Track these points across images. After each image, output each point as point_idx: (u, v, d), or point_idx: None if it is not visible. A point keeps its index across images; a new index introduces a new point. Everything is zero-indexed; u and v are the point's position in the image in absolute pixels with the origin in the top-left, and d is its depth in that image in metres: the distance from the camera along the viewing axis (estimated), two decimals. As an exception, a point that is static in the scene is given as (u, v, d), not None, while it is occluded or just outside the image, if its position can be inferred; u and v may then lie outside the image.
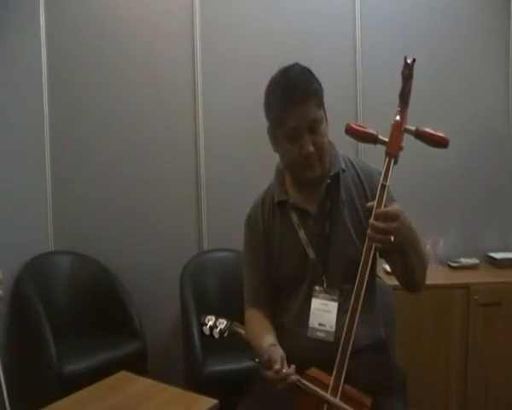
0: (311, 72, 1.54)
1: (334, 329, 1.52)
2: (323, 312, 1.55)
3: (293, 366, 1.33)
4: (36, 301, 2.76)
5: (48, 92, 3.23)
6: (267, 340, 1.47)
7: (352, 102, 3.16)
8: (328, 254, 1.56)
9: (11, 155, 2.98)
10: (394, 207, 1.36)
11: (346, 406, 1.31)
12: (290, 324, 1.61)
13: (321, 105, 1.52)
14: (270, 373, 1.31)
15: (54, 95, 3.24)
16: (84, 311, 3.05)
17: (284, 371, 1.30)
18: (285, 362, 1.33)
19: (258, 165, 2.81)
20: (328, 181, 1.58)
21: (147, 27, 3.21)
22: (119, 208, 3.27)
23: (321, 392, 1.32)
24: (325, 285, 1.56)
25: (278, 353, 1.37)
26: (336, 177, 1.59)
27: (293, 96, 1.47)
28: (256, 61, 3.08)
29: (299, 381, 1.32)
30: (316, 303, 1.56)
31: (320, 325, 1.54)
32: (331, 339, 1.50)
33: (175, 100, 3.23)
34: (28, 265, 2.99)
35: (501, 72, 3.15)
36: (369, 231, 1.34)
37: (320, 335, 1.53)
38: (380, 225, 1.31)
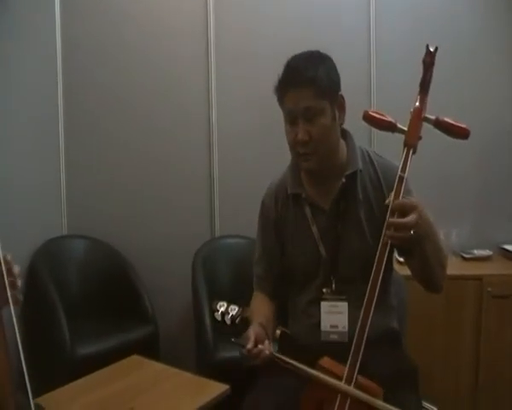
0: (321, 60, 1.52)
1: (346, 329, 1.52)
2: (334, 313, 1.54)
3: (266, 342, 1.40)
4: (49, 284, 2.79)
5: (62, 78, 3.23)
6: (256, 320, 1.51)
7: (366, 91, 3.13)
8: (339, 252, 1.55)
9: (25, 140, 3.00)
10: (411, 199, 1.34)
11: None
12: (301, 318, 1.62)
13: (324, 96, 1.48)
14: (243, 351, 1.38)
15: (68, 81, 3.24)
16: (96, 295, 3.08)
17: (258, 347, 1.37)
18: (266, 340, 1.40)
19: (271, 152, 2.81)
20: (344, 180, 1.55)
21: (161, 24, 3.21)
22: (132, 194, 3.29)
23: (301, 366, 1.35)
24: (333, 286, 1.55)
25: (254, 331, 1.42)
26: (353, 176, 1.56)
27: (289, 79, 1.49)
28: (269, 54, 3.05)
29: (272, 355, 1.38)
30: (325, 306, 1.55)
31: (332, 326, 1.54)
32: (345, 339, 1.49)
33: (189, 88, 3.23)
34: (42, 249, 3.01)
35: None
36: (386, 230, 1.29)
37: (333, 337, 1.53)
38: (397, 221, 1.27)
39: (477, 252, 3.01)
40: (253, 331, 1.43)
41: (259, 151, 3.17)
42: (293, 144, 1.52)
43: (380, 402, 1.28)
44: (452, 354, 2.70)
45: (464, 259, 2.99)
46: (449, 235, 2.99)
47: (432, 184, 3.01)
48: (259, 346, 1.38)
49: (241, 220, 2.97)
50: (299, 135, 1.48)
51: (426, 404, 1.81)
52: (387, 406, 1.27)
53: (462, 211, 3.12)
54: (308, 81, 1.46)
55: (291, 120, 1.51)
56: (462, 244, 3.05)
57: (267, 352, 1.38)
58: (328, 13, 3.12)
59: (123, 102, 3.26)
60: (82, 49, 3.25)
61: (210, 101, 3.21)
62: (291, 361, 1.37)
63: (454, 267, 2.84)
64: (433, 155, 2.91)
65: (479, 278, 2.68)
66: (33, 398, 1.01)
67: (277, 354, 1.39)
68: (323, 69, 1.49)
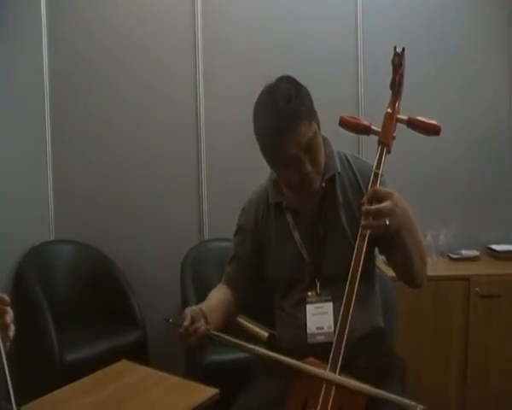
0: (296, 88, 1.46)
1: (332, 329, 1.51)
2: (320, 315, 1.55)
3: (202, 320, 1.42)
4: (37, 289, 2.77)
5: (49, 81, 3.22)
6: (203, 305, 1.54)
7: (354, 95, 3.13)
8: (323, 255, 1.56)
9: (12, 144, 2.98)
10: (386, 188, 1.36)
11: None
12: (288, 321, 1.62)
13: (312, 118, 1.47)
14: (180, 330, 1.39)
15: (55, 84, 3.23)
16: (85, 300, 3.06)
17: (194, 325, 1.39)
18: (202, 319, 1.42)
19: (258, 156, 2.81)
20: (323, 185, 1.56)
21: (149, 19, 3.21)
22: (120, 198, 3.28)
23: (239, 341, 1.40)
24: (318, 288, 1.56)
25: (189, 311, 1.44)
26: (332, 179, 1.57)
27: (284, 126, 1.41)
28: (258, 50, 3.07)
29: (208, 331, 1.41)
30: (310, 309, 1.56)
31: (318, 328, 1.54)
32: (332, 339, 1.46)
33: (177, 90, 3.23)
34: (29, 253, 2.99)
35: (503, 65, 3.14)
36: (362, 220, 1.32)
37: (320, 338, 1.53)
38: (371, 207, 1.29)
39: (464, 252, 3.04)
40: (188, 311, 1.44)
41: (248, 155, 3.14)
42: (295, 181, 1.49)
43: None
44: (440, 354, 2.72)
45: (452, 259, 3.01)
46: (437, 236, 3.01)
47: (419, 185, 3.05)
48: (196, 324, 1.41)
49: (229, 224, 2.92)
50: (304, 169, 1.46)
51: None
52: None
53: (450, 212, 3.14)
54: (302, 117, 1.43)
55: (290, 162, 1.45)
56: (449, 245, 3.07)
57: (203, 328, 1.41)
58: (316, 14, 3.13)
59: (110, 107, 3.25)
60: (68, 49, 3.24)
61: (198, 104, 3.21)
62: (228, 337, 1.42)
63: (441, 268, 2.87)
64: (420, 156, 2.94)
65: (466, 279, 2.70)
66: (18, 405, 0.99)
67: (214, 332, 1.43)
68: (301, 96, 1.46)
